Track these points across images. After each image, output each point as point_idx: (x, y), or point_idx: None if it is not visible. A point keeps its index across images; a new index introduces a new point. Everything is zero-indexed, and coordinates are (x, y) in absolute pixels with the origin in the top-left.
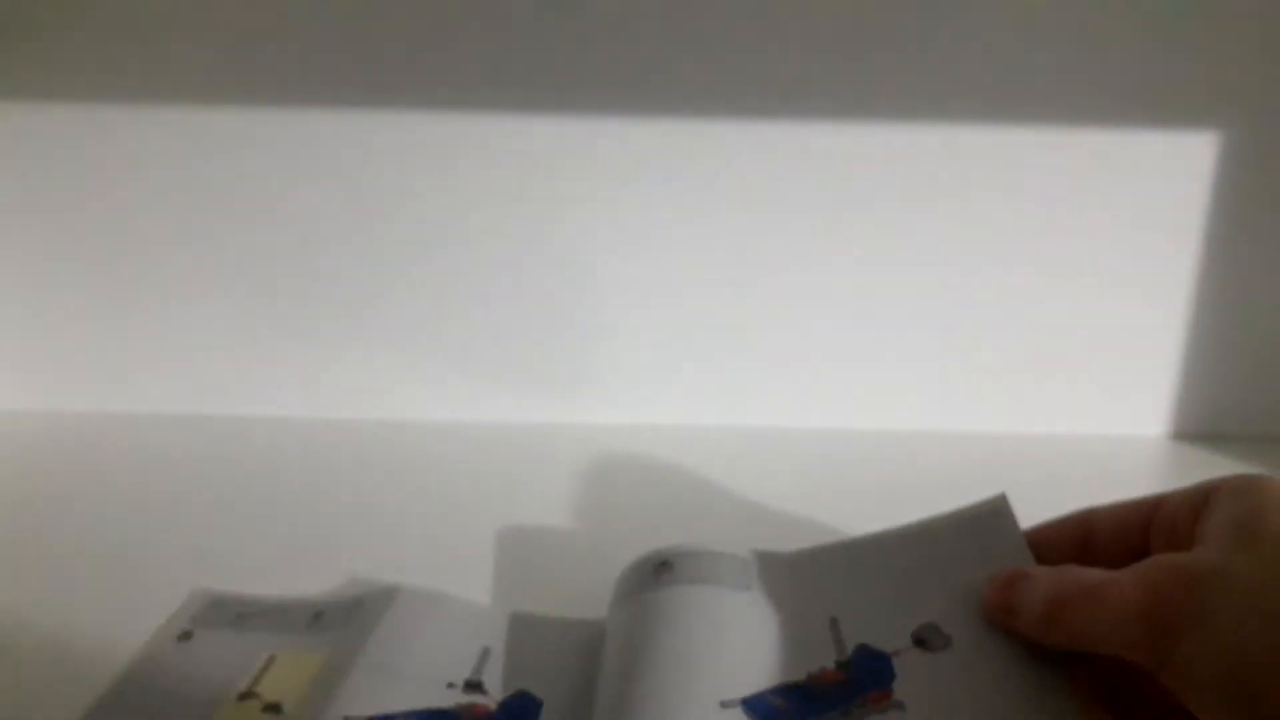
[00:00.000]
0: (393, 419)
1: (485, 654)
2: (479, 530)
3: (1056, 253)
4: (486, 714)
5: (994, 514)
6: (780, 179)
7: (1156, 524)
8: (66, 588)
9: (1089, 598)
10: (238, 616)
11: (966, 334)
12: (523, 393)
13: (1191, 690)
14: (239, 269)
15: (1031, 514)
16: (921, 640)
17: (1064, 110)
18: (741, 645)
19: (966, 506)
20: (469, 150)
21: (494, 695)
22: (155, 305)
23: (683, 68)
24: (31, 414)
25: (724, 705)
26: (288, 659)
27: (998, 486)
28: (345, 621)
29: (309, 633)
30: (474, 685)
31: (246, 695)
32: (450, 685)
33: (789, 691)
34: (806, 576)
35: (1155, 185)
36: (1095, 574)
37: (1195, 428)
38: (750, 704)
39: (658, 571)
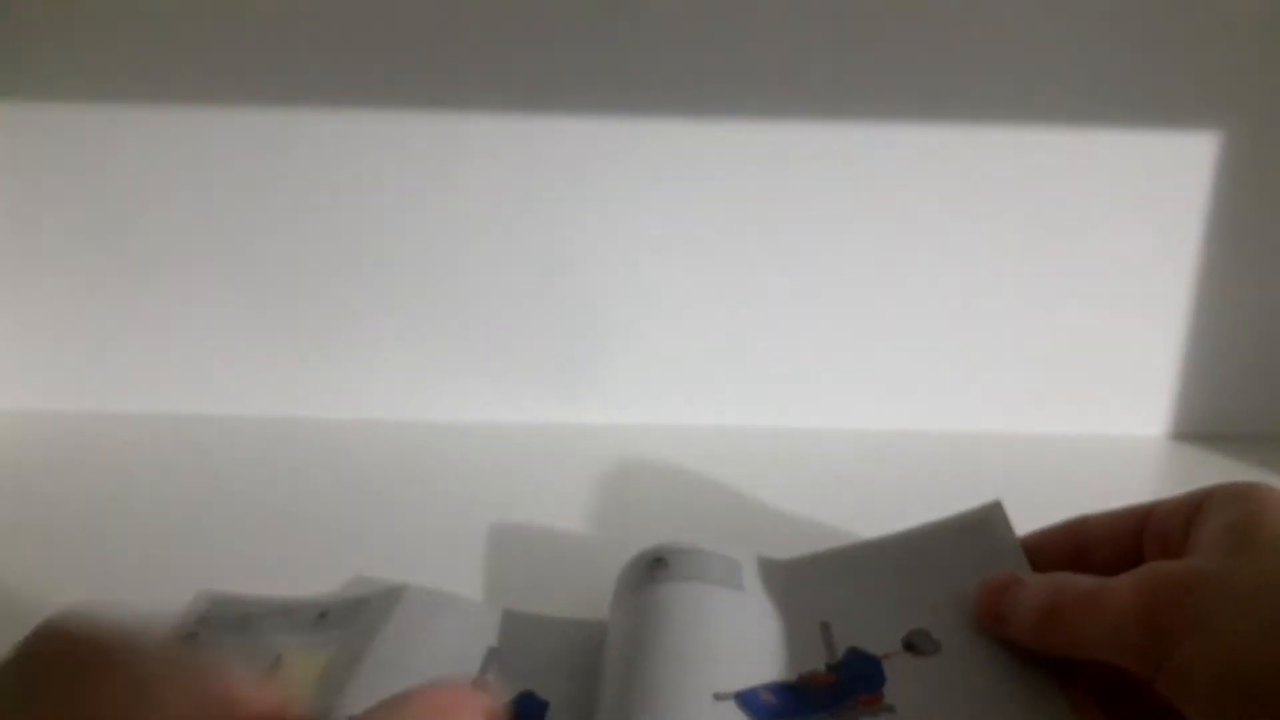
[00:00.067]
0: (395, 419)
1: (491, 654)
2: (483, 531)
3: (1056, 253)
4: None
5: (989, 521)
6: (781, 181)
7: (1149, 531)
8: (67, 588)
9: (1083, 605)
10: (242, 617)
11: (966, 334)
12: (525, 393)
13: (1187, 695)
14: (239, 269)
15: (1031, 514)
16: (912, 645)
17: (1064, 110)
18: (734, 642)
19: (961, 513)
20: (473, 151)
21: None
22: (155, 305)
23: (697, 70)
24: (31, 414)
25: (718, 698)
26: (294, 659)
27: (998, 487)
28: (350, 621)
29: (314, 632)
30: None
31: None
32: None
33: (780, 690)
34: (799, 581)
35: (1155, 185)
36: (1089, 581)
37: (1195, 428)
38: (743, 698)
39: (652, 568)
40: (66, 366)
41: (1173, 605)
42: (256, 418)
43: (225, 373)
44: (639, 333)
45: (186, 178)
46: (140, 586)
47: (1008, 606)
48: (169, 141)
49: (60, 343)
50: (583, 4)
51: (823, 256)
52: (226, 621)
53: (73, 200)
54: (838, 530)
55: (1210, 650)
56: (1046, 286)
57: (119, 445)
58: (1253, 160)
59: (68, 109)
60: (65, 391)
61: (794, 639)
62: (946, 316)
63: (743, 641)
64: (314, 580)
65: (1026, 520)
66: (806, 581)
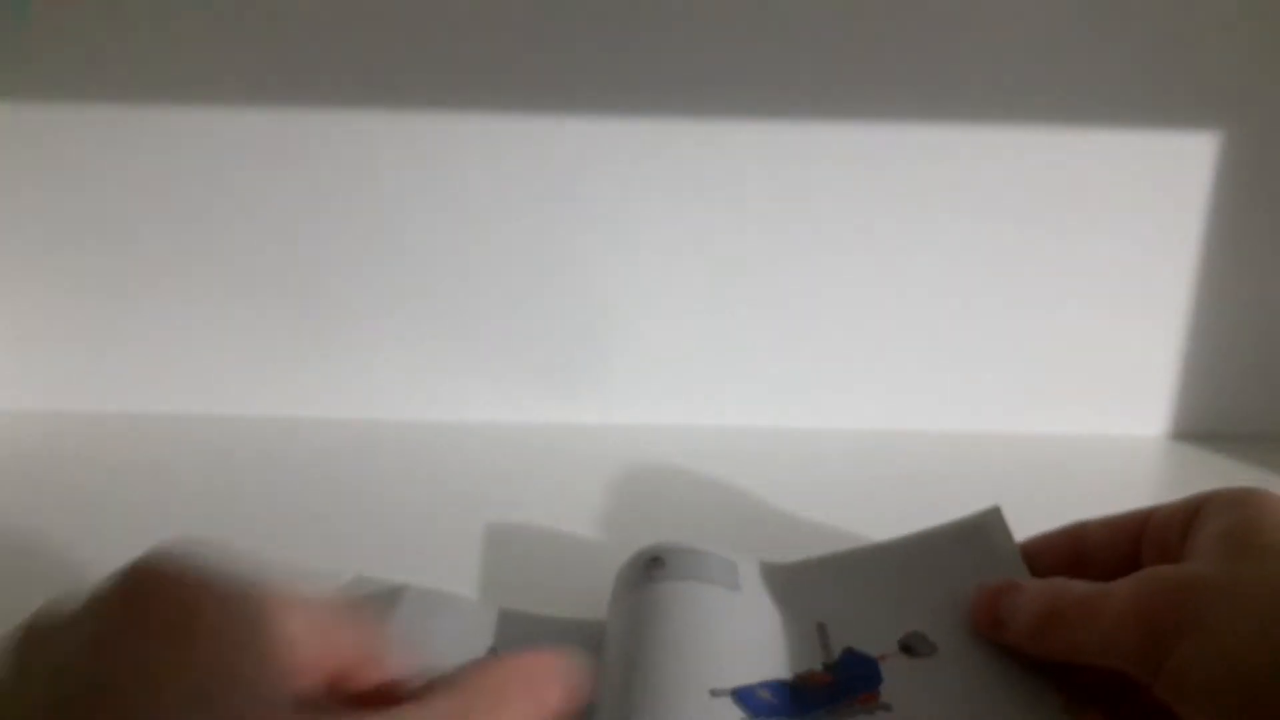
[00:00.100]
0: (394, 419)
1: (492, 653)
2: (482, 530)
3: (1056, 253)
4: None
5: (988, 526)
6: (781, 182)
7: (1147, 537)
8: (69, 589)
9: (1081, 609)
10: None
11: (966, 334)
12: (525, 393)
13: (1185, 698)
14: (239, 269)
15: (1031, 514)
16: (908, 647)
17: (1064, 110)
18: (731, 640)
19: (960, 519)
20: (475, 151)
21: None
22: (155, 305)
23: (697, 70)
24: (31, 414)
25: (714, 694)
26: None
27: (998, 487)
28: None
29: None
30: None
31: None
32: None
33: (777, 688)
34: (796, 583)
35: (1155, 185)
36: (1086, 586)
37: (1194, 428)
38: (740, 695)
39: (649, 567)
40: (66, 366)
41: (1170, 608)
42: (256, 417)
43: (226, 372)
44: (639, 333)
45: (187, 178)
46: None
47: (1006, 611)
48: (169, 141)
49: (60, 343)
50: (586, 4)
51: (822, 257)
52: None
53: (73, 200)
54: (837, 530)
55: (1208, 652)
56: (1046, 286)
57: (119, 445)
58: (1252, 160)
59: (68, 109)
60: (65, 391)
61: (791, 639)
62: (946, 316)
63: (739, 640)
64: (312, 581)
65: (1026, 520)
66: (803, 583)
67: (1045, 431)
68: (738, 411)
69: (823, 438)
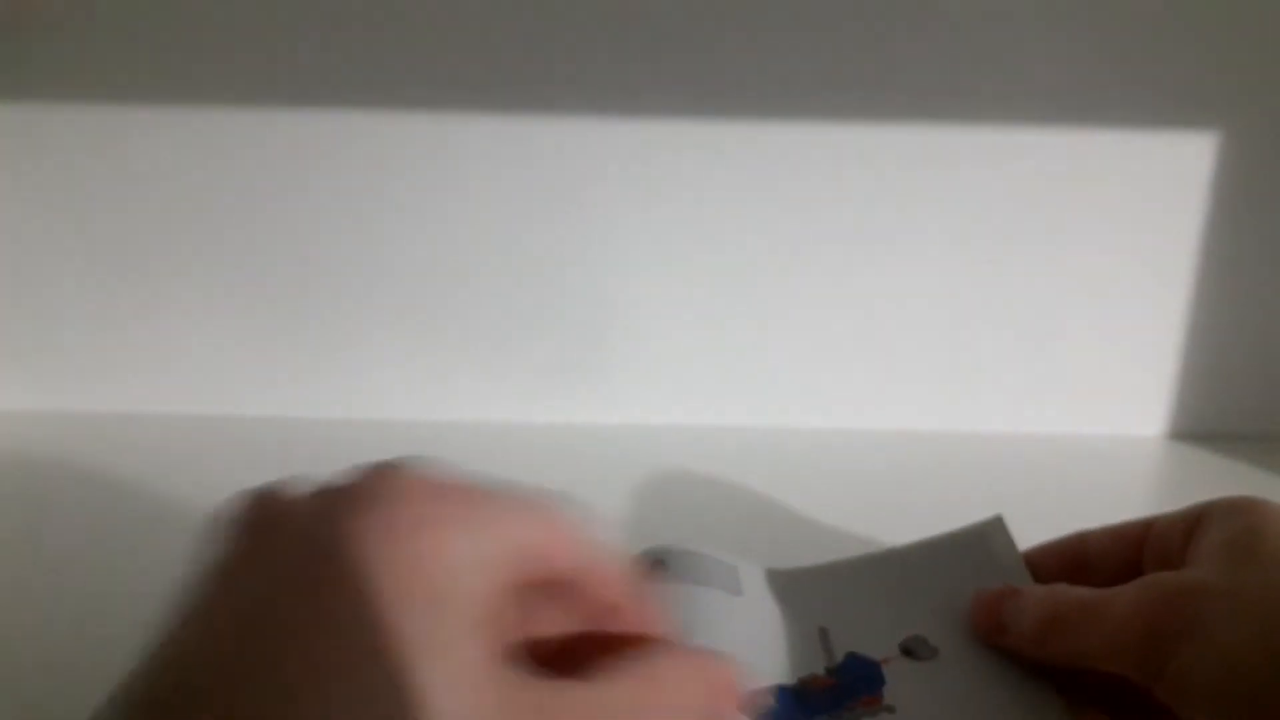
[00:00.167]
0: (396, 419)
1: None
2: None
3: (1056, 253)
4: None
5: (991, 535)
6: (782, 182)
7: (1149, 545)
8: (68, 588)
9: (1084, 614)
10: None
11: (966, 334)
12: (527, 393)
13: (1187, 702)
14: (239, 269)
15: (1030, 514)
16: (909, 650)
17: (1064, 110)
18: (733, 644)
19: (963, 527)
20: (480, 151)
21: None
22: (155, 305)
23: (701, 72)
24: (31, 414)
25: None
26: None
27: (998, 487)
28: None
29: None
30: None
31: None
32: None
33: (781, 692)
34: (797, 589)
35: (1155, 185)
36: (1089, 591)
37: (1194, 428)
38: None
39: (651, 570)
40: (67, 366)
41: (1172, 613)
42: (257, 418)
43: (226, 373)
44: (640, 333)
45: (187, 178)
46: (141, 587)
47: (1009, 616)
48: (170, 142)
49: (60, 343)
50: (591, 6)
51: (823, 257)
52: None
53: (74, 201)
54: (838, 530)
55: (1209, 656)
56: (1046, 287)
57: (116, 445)
58: (1253, 160)
59: (69, 110)
60: (65, 391)
61: (793, 643)
62: (946, 317)
63: (742, 644)
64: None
65: (1025, 520)
66: (805, 588)
67: (1045, 431)
68: (738, 411)
69: (823, 438)
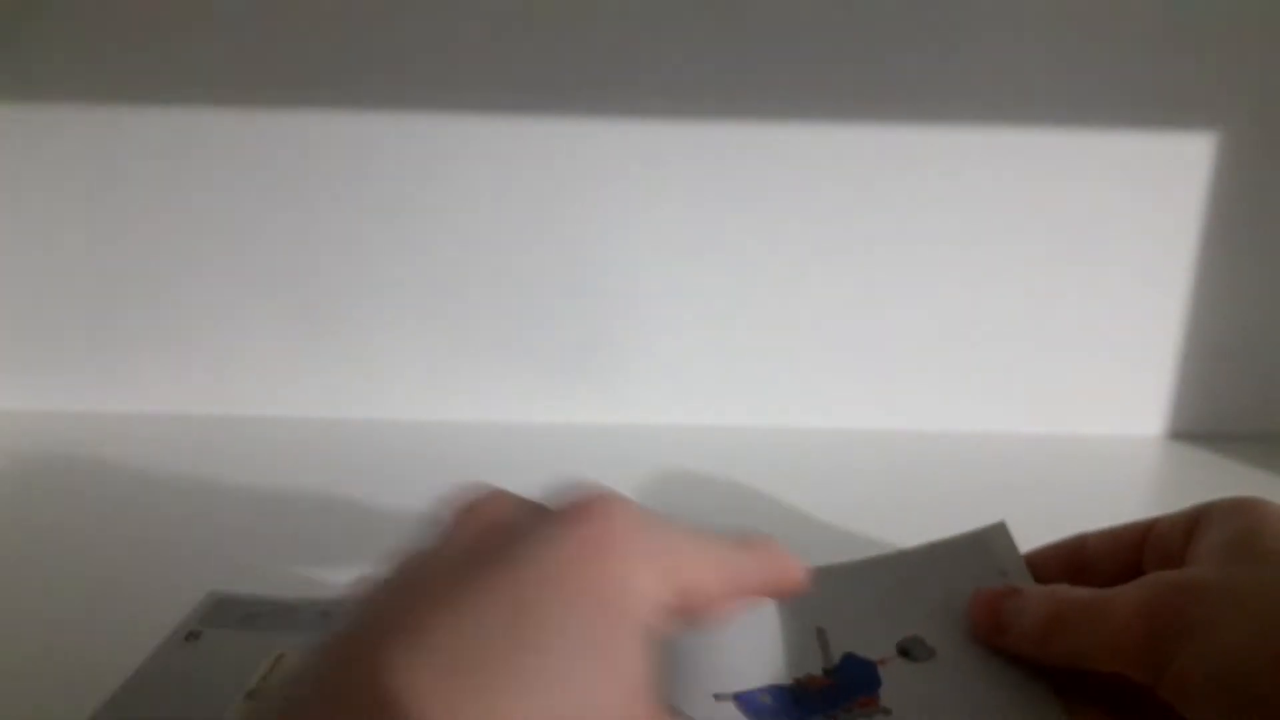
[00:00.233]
0: (400, 419)
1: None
2: None
3: (1056, 253)
4: None
5: (993, 539)
6: (782, 184)
7: (1149, 546)
8: (69, 588)
9: (1085, 614)
10: (245, 616)
11: (966, 335)
12: (531, 393)
13: (1189, 700)
14: (241, 270)
15: (1030, 514)
16: (906, 651)
17: (1064, 110)
18: (731, 644)
19: (965, 532)
20: (489, 153)
21: None
22: (155, 305)
23: (703, 71)
24: (31, 414)
25: (717, 698)
26: (296, 657)
27: (997, 487)
28: None
29: (317, 630)
30: None
31: (255, 693)
32: None
33: (778, 692)
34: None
35: (1155, 185)
36: (1089, 591)
37: (1193, 427)
38: (742, 699)
39: None
40: (66, 366)
41: (1174, 611)
42: (261, 417)
43: (227, 373)
44: (641, 334)
45: (193, 179)
46: (141, 587)
47: (1009, 615)
48: (174, 143)
49: (60, 343)
50: (604, 9)
51: (823, 257)
52: (229, 621)
53: (75, 201)
54: (838, 530)
55: (1210, 654)
56: (1045, 287)
57: (116, 445)
58: (1252, 160)
59: (71, 110)
60: (65, 391)
61: (790, 644)
62: (946, 317)
63: (739, 645)
64: (315, 581)
65: (1025, 519)
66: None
67: (1044, 431)
68: (739, 411)
69: (823, 438)
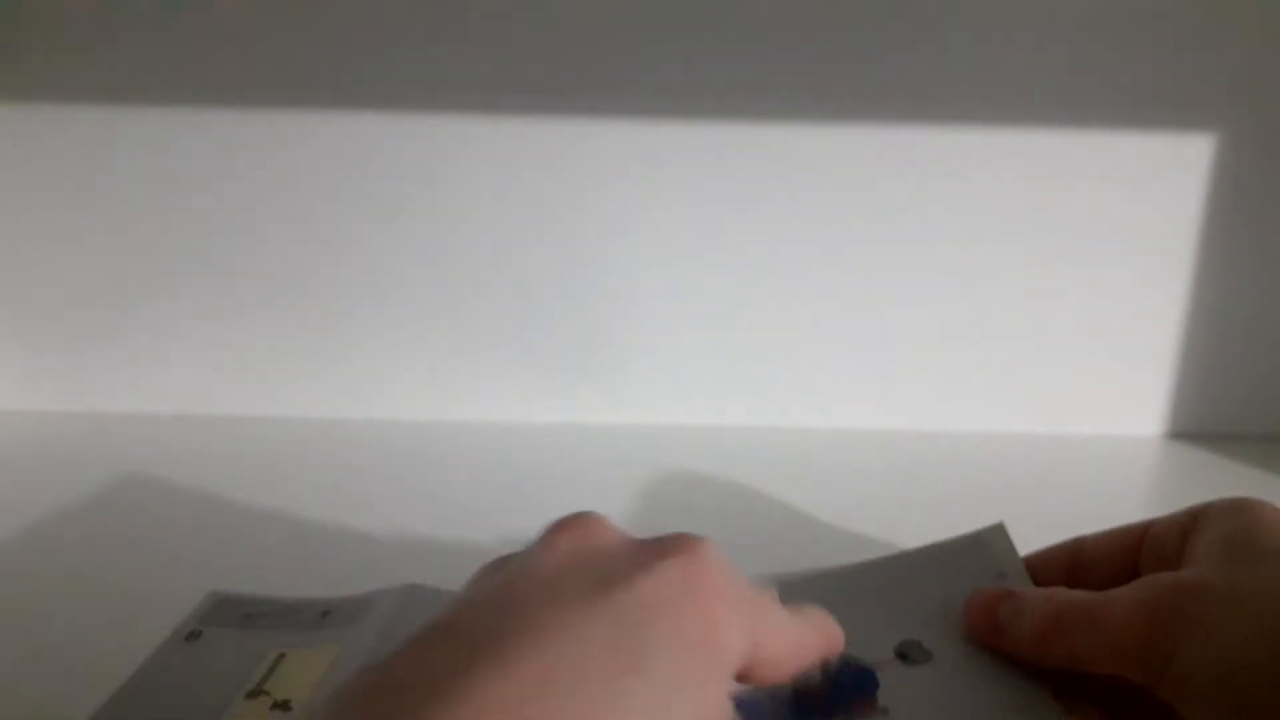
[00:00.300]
0: (399, 419)
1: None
2: (492, 530)
3: (1055, 253)
4: None
5: (991, 541)
6: (782, 184)
7: (1146, 547)
8: (69, 588)
9: (1084, 616)
10: (245, 616)
11: (966, 335)
12: (532, 393)
13: (1189, 699)
14: (240, 270)
15: (1029, 513)
16: (903, 654)
17: (1064, 110)
18: None
19: (964, 534)
20: (493, 154)
21: None
22: (155, 305)
23: (704, 72)
24: (31, 414)
25: None
26: (297, 656)
27: (997, 487)
28: (355, 619)
29: (318, 630)
30: None
31: (255, 693)
32: None
33: (777, 698)
34: (794, 595)
35: (1154, 185)
36: (1087, 593)
37: (1192, 428)
38: (743, 705)
39: None
40: (66, 366)
41: (1172, 611)
42: (260, 417)
43: (227, 373)
44: (641, 334)
45: (187, 178)
46: (141, 587)
47: (1006, 618)
48: (172, 143)
49: (60, 343)
50: (607, 9)
51: (823, 258)
52: (230, 620)
53: (73, 200)
54: (838, 530)
55: (1209, 652)
56: (1045, 287)
57: (116, 445)
58: (1252, 160)
59: (68, 109)
60: (65, 391)
61: None
62: (946, 317)
63: None
64: (315, 581)
65: (1024, 519)
66: (801, 594)
67: (1044, 431)
68: (739, 411)
69: (823, 437)
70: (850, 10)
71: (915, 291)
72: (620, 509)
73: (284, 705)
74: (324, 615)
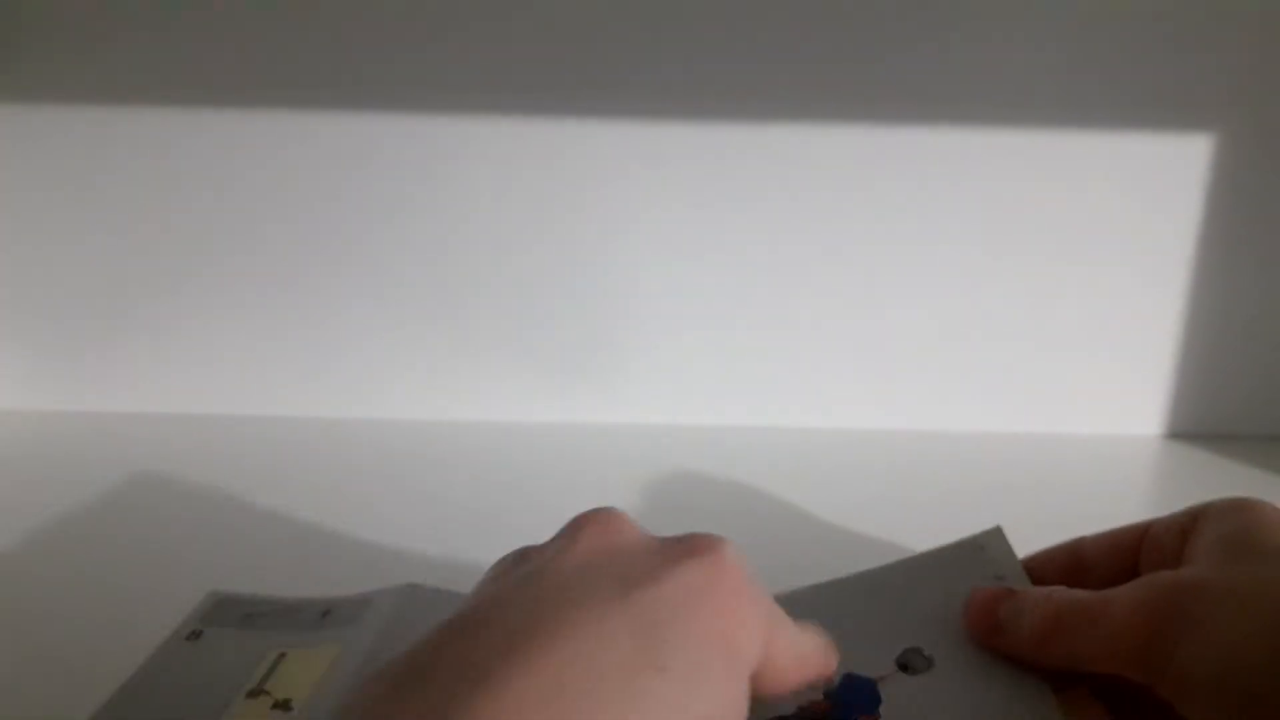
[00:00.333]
0: (399, 419)
1: None
2: (492, 530)
3: (1055, 253)
4: None
5: (989, 545)
6: (782, 185)
7: (1146, 547)
8: (69, 588)
9: (1083, 615)
10: (245, 616)
11: (965, 335)
12: (532, 393)
13: (1190, 698)
14: (240, 270)
15: (1029, 513)
16: (905, 665)
17: (1064, 110)
18: None
19: (961, 539)
20: (494, 155)
21: None
22: (155, 305)
23: (704, 73)
24: (31, 414)
25: None
26: (297, 656)
27: (997, 487)
28: (355, 619)
29: (318, 630)
30: None
31: (256, 693)
32: None
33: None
34: (794, 612)
35: (1154, 185)
36: (1086, 593)
37: (1191, 428)
38: None
39: None
40: (66, 366)
41: (1173, 610)
42: (260, 417)
43: (227, 373)
44: (642, 334)
45: (187, 178)
46: (141, 587)
47: (1006, 617)
48: (172, 143)
49: (60, 343)
50: (610, 10)
51: (823, 258)
52: (230, 620)
53: (74, 201)
54: (839, 530)
55: (1209, 651)
56: (1044, 287)
57: (116, 445)
58: (1252, 160)
59: (68, 109)
60: (65, 391)
61: None
62: (946, 317)
63: None
64: (315, 580)
65: (1023, 519)
66: (801, 611)
67: (1044, 431)
68: (739, 411)
69: (823, 437)
70: (850, 10)
71: (915, 291)
72: (621, 509)
73: (284, 705)
74: (324, 615)
